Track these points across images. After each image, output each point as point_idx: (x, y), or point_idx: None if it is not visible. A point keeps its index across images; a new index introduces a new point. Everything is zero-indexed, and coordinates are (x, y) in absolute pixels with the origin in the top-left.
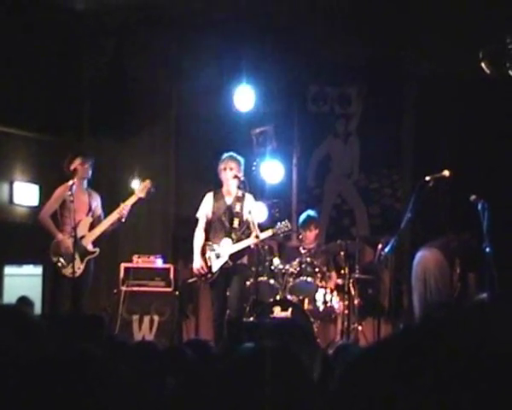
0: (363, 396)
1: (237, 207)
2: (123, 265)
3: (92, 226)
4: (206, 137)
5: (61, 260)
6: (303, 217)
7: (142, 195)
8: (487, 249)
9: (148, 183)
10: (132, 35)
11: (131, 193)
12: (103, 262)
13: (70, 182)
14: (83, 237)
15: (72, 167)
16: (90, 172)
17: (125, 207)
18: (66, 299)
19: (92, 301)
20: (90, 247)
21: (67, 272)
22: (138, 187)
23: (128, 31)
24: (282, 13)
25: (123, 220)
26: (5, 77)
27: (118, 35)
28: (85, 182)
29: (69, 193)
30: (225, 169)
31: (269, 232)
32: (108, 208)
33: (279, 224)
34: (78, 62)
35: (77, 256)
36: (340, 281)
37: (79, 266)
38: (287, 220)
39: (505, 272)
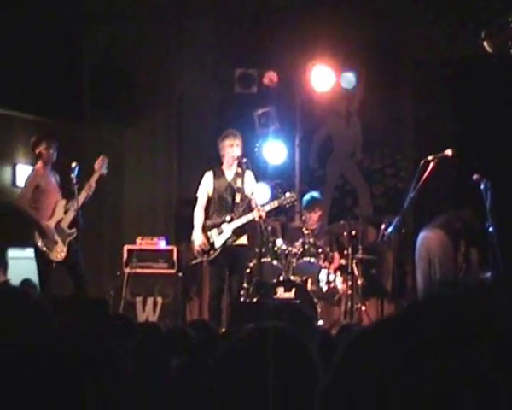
0: (364, 375)
1: (238, 183)
2: (126, 247)
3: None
4: (208, 118)
5: (47, 245)
6: (307, 198)
7: (102, 170)
8: (490, 229)
9: (101, 157)
10: (132, 19)
11: (93, 172)
12: (106, 244)
13: (38, 165)
14: (61, 220)
15: (37, 151)
16: (55, 157)
17: (90, 186)
18: (60, 282)
19: (95, 283)
20: (68, 229)
21: (54, 256)
22: (95, 165)
23: (128, 15)
24: None
25: (89, 194)
26: (6, 60)
27: (118, 19)
28: (49, 165)
29: (40, 178)
30: (231, 146)
31: (274, 203)
32: (110, 192)
33: (284, 195)
34: (79, 45)
35: (59, 240)
36: (343, 261)
37: (63, 250)
38: (292, 191)
39: (508, 250)
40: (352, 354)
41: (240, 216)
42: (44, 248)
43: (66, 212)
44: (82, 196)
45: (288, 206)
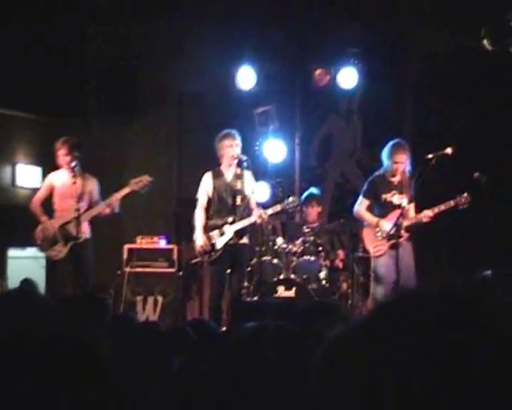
0: (345, 374)
1: (238, 185)
2: (126, 246)
3: (88, 210)
4: (208, 117)
5: (42, 243)
6: (305, 194)
7: (136, 188)
8: (491, 225)
9: (145, 178)
10: (135, 17)
11: (126, 184)
12: (107, 244)
13: (59, 170)
14: (68, 222)
15: (58, 156)
16: (73, 163)
17: (114, 199)
18: (64, 282)
19: (96, 282)
20: (74, 232)
21: (49, 254)
22: (134, 179)
23: (131, 13)
24: None
25: (116, 211)
26: (8, 59)
27: (121, 17)
28: (76, 167)
29: (56, 179)
30: (231, 146)
31: (277, 207)
32: (114, 190)
33: (287, 199)
34: (82, 44)
35: (60, 240)
36: (343, 260)
37: (61, 250)
38: (295, 196)
39: (506, 248)
40: (332, 357)
41: (241, 218)
42: (39, 247)
43: (79, 216)
44: (100, 207)
45: (290, 210)
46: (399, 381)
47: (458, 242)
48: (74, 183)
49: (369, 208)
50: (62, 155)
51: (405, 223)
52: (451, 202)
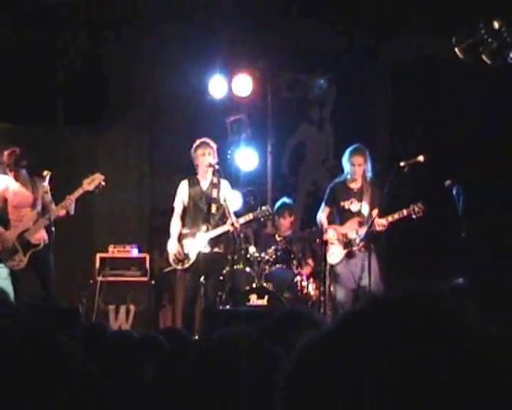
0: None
1: (214, 193)
2: (98, 255)
3: (43, 215)
4: (180, 125)
5: (1, 254)
6: (277, 204)
7: (90, 188)
8: (462, 234)
9: (98, 177)
10: (106, 25)
11: (79, 185)
12: (78, 252)
13: (5, 178)
14: (27, 230)
15: (1, 161)
16: (20, 164)
17: (69, 201)
18: (29, 291)
19: (68, 292)
20: (33, 240)
21: (10, 265)
22: (86, 179)
23: (102, 21)
24: (256, 1)
25: (71, 213)
26: None
27: (92, 26)
28: (24, 172)
29: (8, 189)
30: (204, 155)
31: (249, 216)
32: (82, 200)
33: (260, 208)
34: (52, 53)
35: (19, 249)
36: (314, 268)
37: (22, 259)
38: (268, 205)
39: (478, 256)
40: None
41: (215, 226)
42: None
43: (35, 223)
44: (57, 210)
45: (262, 219)
46: (364, 390)
47: (430, 250)
48: (32, 185)
49: (331, 215)
50: (7, 158)
51: (361, 231)
52: (404, 211)
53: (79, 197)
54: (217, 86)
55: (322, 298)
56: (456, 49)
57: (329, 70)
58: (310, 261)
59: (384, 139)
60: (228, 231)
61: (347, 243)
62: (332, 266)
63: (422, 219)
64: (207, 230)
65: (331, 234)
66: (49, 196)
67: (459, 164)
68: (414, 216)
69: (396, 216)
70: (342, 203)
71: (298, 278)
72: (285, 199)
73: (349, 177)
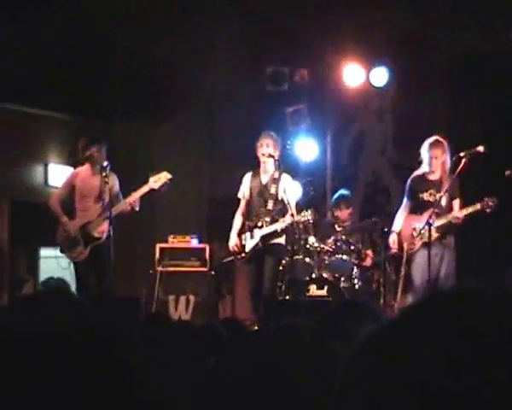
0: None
1: (272, 189)
2: (158, 245)
3: (108, 208)
4: (239, 116)
5: (64, 244)
6: (335, 196)
7: (155, 186)
8: None
9: (164, 175)
10: (163, 20)
11: (145, 182)
12: (139, 243)
13: (83, 167)
14: (89, 222)
15: (87, 153)
16: (105, 159)
17: (134, 197)
18: (89, 282)
19: (129, 282)
20: (96, 233)
21: (71, 255)
22: (153, 177)
23: (158, 16)
24: None
25: (136, 209)
26: (39, 59)
27: (149, 19)
28: (98, 167)
29: (78, 178)
30: (261, 145)
31: (288, 220)
32: (133, 189)
33: (303, 213)
34: (111, 46)
35: (81, 241)
36: (375, 258)
37: (82, 252)
38: (311, 210)
39: None
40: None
41: (271, 223)
42: (60, 248)
43: (99, 216)
44: (121, 206)
45: (301, 225)
46: (423, 388)
47: (491, 242)
48: (102, 180)
49: (411, 208)
50: (103, 154)
51: (437, 223)
52: (478, 206)
53: (144, 195)
54: (276, 76)
55: (382, 289)
56: None
57: (390, 61)
58: (369, 252)
59: (443, 129)
60: (283, 229)
61: (423, 234)
62: (408, 256)
63: (494, 213)
64: (262, 226)
65: (391, 241)
66: (117, 189)
67: None
68: (488, 210)
69: (470, 209)
70: (421, 195)
71: (357, 268)
72: (342, 191)
73: (427, 169)
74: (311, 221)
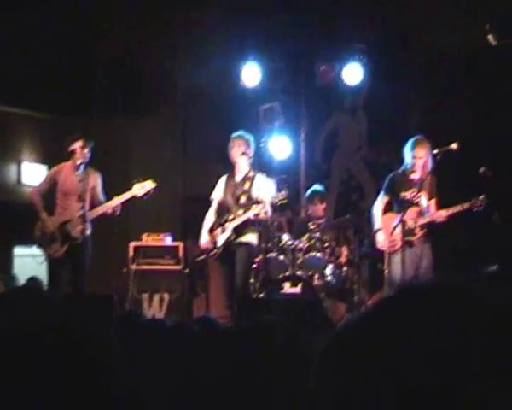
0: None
1: (246, 185)
2: (132, 243)
3: (92, 208)
4: (213, 114)
5: (41, 240)
6: (308, 191)
7: (139, 194)
8: (495, 220)
9: (149, 184)
10: (139, 17)
11: (128, 188)
12: (112, 241)
13: (63, 164)
14: (69, 221)
15: (70, 149)
16: (89, 156)
17: (117, 203)
18: (64, 280)
19: (102, 280)
20: (74, 233)
21: (48, 252)
22: (137, 185)
23: (135, 13)
24: None
25: (117, 213)
26: (14, 57)
27: (126, 18)
28: (82, 165)
29: (61, 175)
30: (233, 147)
31: (266, 202)
32: (117, 189)
33: (275, 194)
34: (88, 43)
35: (58, 238)
36: (349, 256)
37: (58, 249)
38: (285, 190)
39: None
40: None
41: (242, 215)
42: (37, 243)
43: (80, 215)
44: (104, 207)
45: (279, 204)
46: (398, 377)
47: (465, 239)
48: (80, 181)
49: (389, 206)
50: (87, 151)
51: (420, 221)
52: (467, 204)
53: (127, 201)
54: (249, 74)
55: (356, 286)
56: (489, 36)
57: (363, 58)
58: (344, 249)
59: (417, 127)
60: (259, 218)
61: (406, 233)
62: (390, 254)
63: (481, 211)
64: (233, 219)
65: (381, 239)
66: (99, 190)
67: (493, 152)
68: (475, 209)
69: (458, 208)
70: (402, 194)
71: (331, 266)
72: (316, 186)
73: (409, 168)
74: (285, 198)
